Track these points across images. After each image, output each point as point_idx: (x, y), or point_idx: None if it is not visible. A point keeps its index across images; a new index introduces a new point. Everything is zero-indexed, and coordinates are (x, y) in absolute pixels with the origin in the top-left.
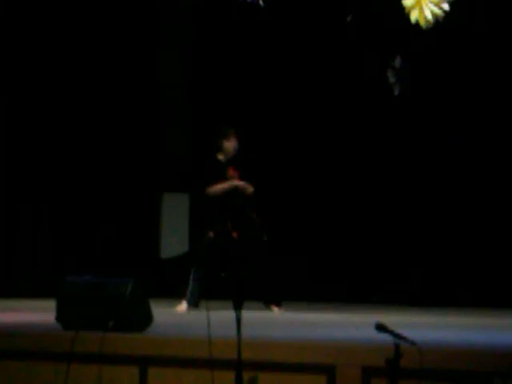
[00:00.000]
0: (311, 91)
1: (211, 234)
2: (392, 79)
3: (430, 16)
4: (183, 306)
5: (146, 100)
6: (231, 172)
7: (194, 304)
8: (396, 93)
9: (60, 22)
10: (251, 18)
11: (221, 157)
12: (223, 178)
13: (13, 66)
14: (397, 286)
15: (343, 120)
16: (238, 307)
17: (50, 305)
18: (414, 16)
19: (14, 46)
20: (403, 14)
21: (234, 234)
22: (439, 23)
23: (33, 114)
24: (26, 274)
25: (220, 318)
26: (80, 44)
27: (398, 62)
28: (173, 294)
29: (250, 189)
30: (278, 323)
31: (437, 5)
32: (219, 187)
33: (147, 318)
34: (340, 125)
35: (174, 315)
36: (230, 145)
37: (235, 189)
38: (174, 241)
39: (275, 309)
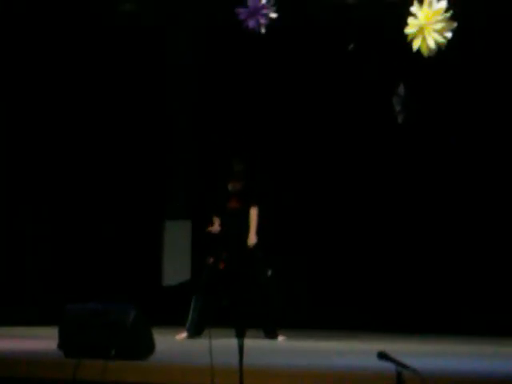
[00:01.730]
0: (312, 108)
1: (211, 261)
2: (397, 107)
3: (432, 44)
4: (183, 335)
5: (153, 124)
6: (233, 203)
7: (194, 332)
8: (400, 120)
9: (69, 28)
10: (253, 42)
11: (230, 187)
12: (224, 206)
13: (21, 69)
14: (397, 313)
15: (348, 139)
16: (240, 335)
17: (53, 332)
18: (416, 44)
19: (21, 46)
20: (406, 42)
21: (221, 265)
22: (441, 51)
23: (35, 134)
24: (29, 301)
25: (222, 345)
26: (88, 53)
27: (401, 89)
28: (175, 321)
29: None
30: (279, 351)
31: (440, 33)
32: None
33: (149, 346)
34: (345, 144)
35: (177, 343)
36: (235, 184)
37: (234, 220)
38: (176, 268)
39: (280, 338)
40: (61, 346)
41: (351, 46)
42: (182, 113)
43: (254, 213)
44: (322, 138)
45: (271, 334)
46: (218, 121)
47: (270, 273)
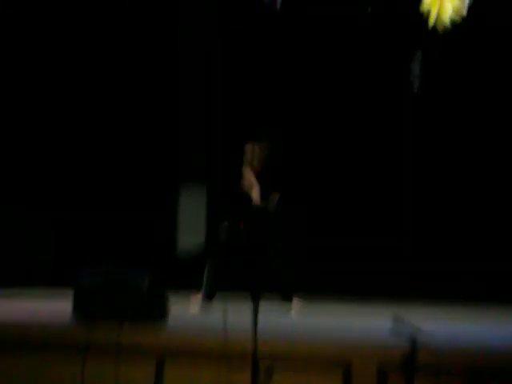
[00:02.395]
0: (327, 91)
1: (226, 224)
2: (416, 72)
3: (447, 19)
4: (196, 306)
5: (165, 95)
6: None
7: (208, 296)
8: (416, 87)
9: (81, 23)
10: (268, 21)
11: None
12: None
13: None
14: (413, 281)
15: (366, 118)
16: (255, 299)
17: (68, 296)
18: (431, 19)
19: (34, 43)
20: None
21: (241, 225)
22: (457, 25)
23: (53, 118)
24: (45, 263)
25: (237, 309)
26: (101, 47)
27: (418, 57)
28: (190, 286)
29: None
30: (294, 320)
31: (455, 8)
32: (250, 184)
33: (164, 310)
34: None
35: (191, 307)
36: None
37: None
38: (190, 237)
39: (295, 301)
40: (75, 309)
41: (369, 9)
42: (194, 93)
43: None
44: (338, 119)
45: (287, 297)
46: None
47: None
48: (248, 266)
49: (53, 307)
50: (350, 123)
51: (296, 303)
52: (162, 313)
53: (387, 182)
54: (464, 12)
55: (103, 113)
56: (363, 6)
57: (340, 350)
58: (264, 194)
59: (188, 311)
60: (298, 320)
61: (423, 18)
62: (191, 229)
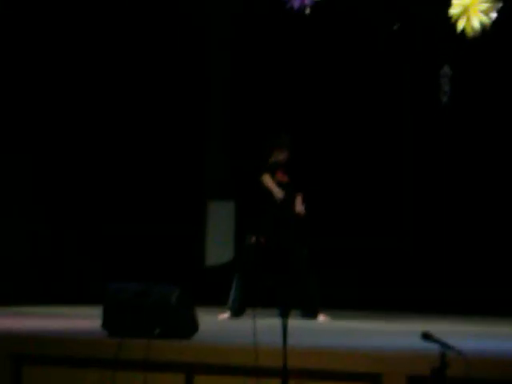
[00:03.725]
0: (352, 89)
1: (253, 239)
2: (446, 87)
3: (477, 25)
4: (225, 314)
5: (191, 108)
6: (279, 175)
7: (236, 312)
8: (444, 100)
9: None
10: (296, 26)
11: (273, 158)
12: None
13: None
14: (441, 294)
15: (392, 119)
16: (284, 315)
17: (97, 312)
18: (460, 25)
19: (50, 43)
20: (450, 22)
21: (262, 240)
22: (486, 32)
23: (76, 126)
24: (73, 280)
25: (266, 325)
26: (121, 25)
27: (447, 69)
28: (218, 301)
29: (279, 194)
30: (323, 331)
31: (485, 13)
32: (269, 183)
33: (193, 325)
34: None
35: (220, 323)
36: (278, 154)
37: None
38: (219, 248)
39: (321, 317)
40: (105, 325)
41: (396, 25)
42: (220, 88)
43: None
44: (346, 126)
45: (310, 313)
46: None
47: (305, 251)
48: (276, 281)
49: (82, 322)
50: (353, 125)
51: (321, 319)
52: (190, 328)
53: (389, 186)
54: (494, 15)
55: (130, 126)
56: (390, 21)
57: (370, 362)
58: (288, 201)
59: (217, 326)
60: (325, 332)
61: (451, 22)
62: (219, 243)
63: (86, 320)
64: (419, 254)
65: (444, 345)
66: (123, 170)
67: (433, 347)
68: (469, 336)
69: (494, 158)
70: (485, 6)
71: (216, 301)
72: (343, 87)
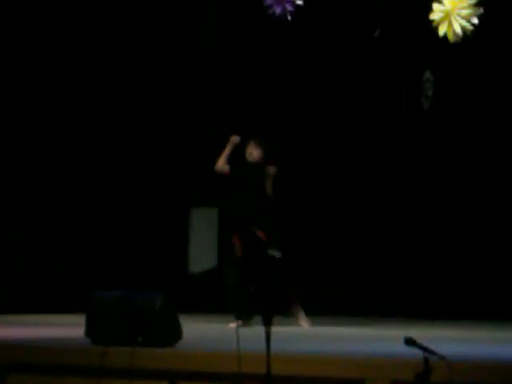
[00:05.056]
0: (335, 94)
1: (237, 246)
2: (429, 92)
3: (459, 30)
4: (233, 324)
5: (178, 113)
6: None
7: (242, 315)
8: (426, 107)
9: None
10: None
11: (247, 154)
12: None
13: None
14: (423, 300)
15: (373, 124)
16: (267, 322)
17: (80, 320)
18: (442, 30)
19: (43, 41)
20: (431, 27)
21: (260, 234)
22: (468, 37)
23: (63, 128)
24: (56, 289)
25: (249, 332)
26: (112, 23)
27: (429, 75)
28: (202, 308)
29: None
30: (306, 338)
31: (466, 19)
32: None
33: (177, 333)
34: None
35: (203, 330)
36: (247, 151)
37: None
38: (202, 255)
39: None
40: (88, 333)
41: (377, 32)
42: (205, 97)
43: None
44: (344, 123)
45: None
46: (242, 100)
47: (277, 255)
48: (258, 287)
49: (65, 331)
50: (350, 126)
51: (302, 315)
52: (174, 335)
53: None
54: (475, 20)
55: (114, 127)
56: (373, 26)
57: (354, 367)
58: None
59: (201, 333)
60: (309, 338)
61: (433, 27)
62: (203, 250)
63: (69, 328)
64: (406, 258)
65: (427, 350)
66: (111, 176)
67: (416, 352)
68: (452, 341)
69: (490, 157)
70: (466, 11)
71: (200, 308)
72: (338, 83)
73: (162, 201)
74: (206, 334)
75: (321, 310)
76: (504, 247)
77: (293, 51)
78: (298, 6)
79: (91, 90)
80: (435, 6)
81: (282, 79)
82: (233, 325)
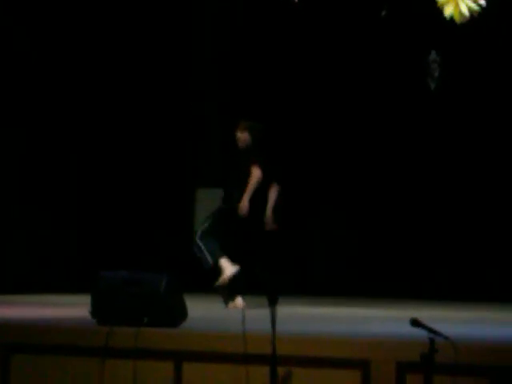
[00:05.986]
0: (339, 76)
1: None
2: (435, 73)
3: (465, 11)
4: (237, 302)
5: (179, 96)
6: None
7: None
8: (433, 86)
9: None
10: (284, 13)
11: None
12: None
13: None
14: (430, 280)
15: (378, 107)
16: (272, 303)
17: (85, 300)
18: (448, 11)
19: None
20: (437, 8)
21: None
22: (474, 18)
23: (64, 108)
24: (61, 269)
25: (255, 313)
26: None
27: (434, 56)
28: (206, 289)
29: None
30: (312, 318)
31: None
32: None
33: (182, 313)
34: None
35: (209, 310)
36: (238, 136)
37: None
38: None
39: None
40: (93, 313)
41: (383, 12)
42: (211, 78)
43: (254, 175)
44: (350, 104)
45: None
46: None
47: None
48: (263, 268)
49: (71, 311)
50: (355, 107)
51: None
52: (179, 316)
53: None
54: (483, 1)
55: (119, 111)
56: (379, 6)
57: (359, 348)
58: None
59: (206, 313)
60: (315, 319)
61: (439, 8)
62: None
63: (74, 308)
64: (413, 239)
65: (433, 331)
66: (112, 158)
67: (422, 333)
68: (458, 322)
69: (486, 144)
70: None
71: (204, 288)
72: (344, 63)
73: (168, 182)
74: (211, 314)
75: (326, 291)
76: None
77: (299, 32)
78: None
79: (90, 74)
80: None
81: (286, 57)
82: (233, 305)
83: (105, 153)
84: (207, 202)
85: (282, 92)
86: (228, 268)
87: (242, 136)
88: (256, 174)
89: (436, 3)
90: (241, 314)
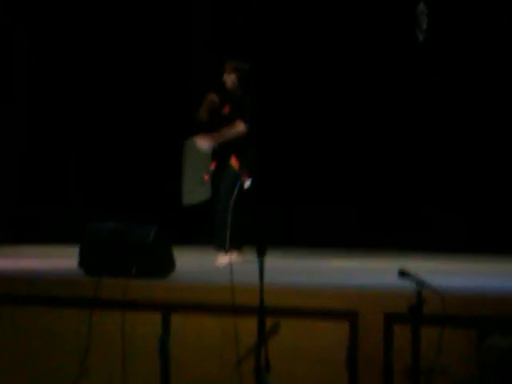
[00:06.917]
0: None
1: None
2: (423, 25)
3: None
4: (224, 258)
5: (173, 50)
6: (225, 109)
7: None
8: (421, 38)
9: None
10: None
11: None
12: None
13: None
14: (417, 232)
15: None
16: (260, 254)
17: (73, 251)
18: None
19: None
20: None
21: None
22: None
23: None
24: (50, 219)
25: (242, 264)
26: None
27: (422, 8)
28: (195, 240)
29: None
30: (300, 270)
31: None
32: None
33: (170, 265)
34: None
35: (197, 262)
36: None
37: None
38: (196, 187)
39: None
40: (81, 264)
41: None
42: (200, 32)
43: (238, 125)
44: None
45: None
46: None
47: (248, 183)
48: (252, 219)
49: (58, 262)
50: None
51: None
52: (167, 267)
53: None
54: None
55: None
56: None
57: (347, 299)
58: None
59: (194, 265)
60: (303, 271)
61: None
62: (197, 182)
63: (62, 259)
64: (404, 191)
65: (421, 282)
66: (106, 109)
67: (410, 285)
68: (446, 273)
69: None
70: None
71: (193, 240)
72: (332, 18)
73: (156, 133)
74: (199, 266)
75: (314, 243)
76: (505, 181)
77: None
78: None
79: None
80: None
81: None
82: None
83: (95, 103)
84: (195, 153)
85: (272, 73)
86: (223, 258)
87: (230, 77)
88: (240, 128)
89: None
90: (229, 266)
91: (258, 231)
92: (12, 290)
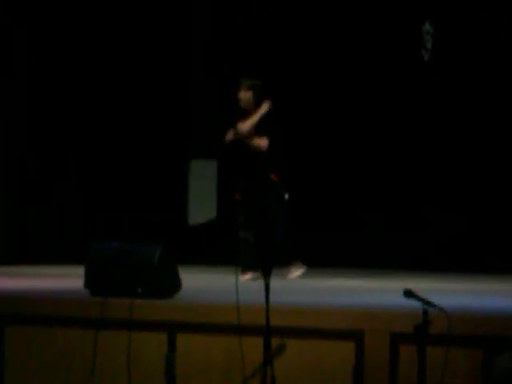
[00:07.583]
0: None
1: (238, 196)
2: (428, 44)
3: None
4: (246, 276)
5: (174, 68)
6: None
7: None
8: (427, 58)
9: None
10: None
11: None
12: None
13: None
14: (422, 251)
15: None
16: (266, 274)
17: (79, 271)
18: None
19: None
20: None
21: (237, 196)
22: None
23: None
24: (55, 240)
25: (248, 284)
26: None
27: (428, 27)
28: (201, 260)
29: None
30: (306, 289)
31: None
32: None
33: (176, 285)
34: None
35: (203, 281)
36: (242, 96)
37: (248, 149)
38: (202, 207)
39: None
40: (87, 284)
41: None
42: (199, 50)
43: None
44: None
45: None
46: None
47: (287, 196)
48: (257, 239)
49: (64, 282)
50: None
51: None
52: (173, 287)
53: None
54: None
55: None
56: None
57: (353, 319)
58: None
59: (200, 285)
60: (309, 290)
61: None
62: (202, 202)
63: (68, 279)
64: (407, 210)
65: (426, 302)
66: (110, 131)
67: (416, 305)
68: (452, 293)
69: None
70: None
71: (199, 259)
72: (337, 35)
73: (161, 153)
74: (205, 285)
75: (320, 262)
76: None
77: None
78: None
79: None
80: None
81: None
82: (244, 277)
83: (99, 123)
84: (201, 173)
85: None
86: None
87: (246, 95)
88: (263, 142)
89: None
90: (234, 285)
91: (264, 251)
92: (17, 309)
